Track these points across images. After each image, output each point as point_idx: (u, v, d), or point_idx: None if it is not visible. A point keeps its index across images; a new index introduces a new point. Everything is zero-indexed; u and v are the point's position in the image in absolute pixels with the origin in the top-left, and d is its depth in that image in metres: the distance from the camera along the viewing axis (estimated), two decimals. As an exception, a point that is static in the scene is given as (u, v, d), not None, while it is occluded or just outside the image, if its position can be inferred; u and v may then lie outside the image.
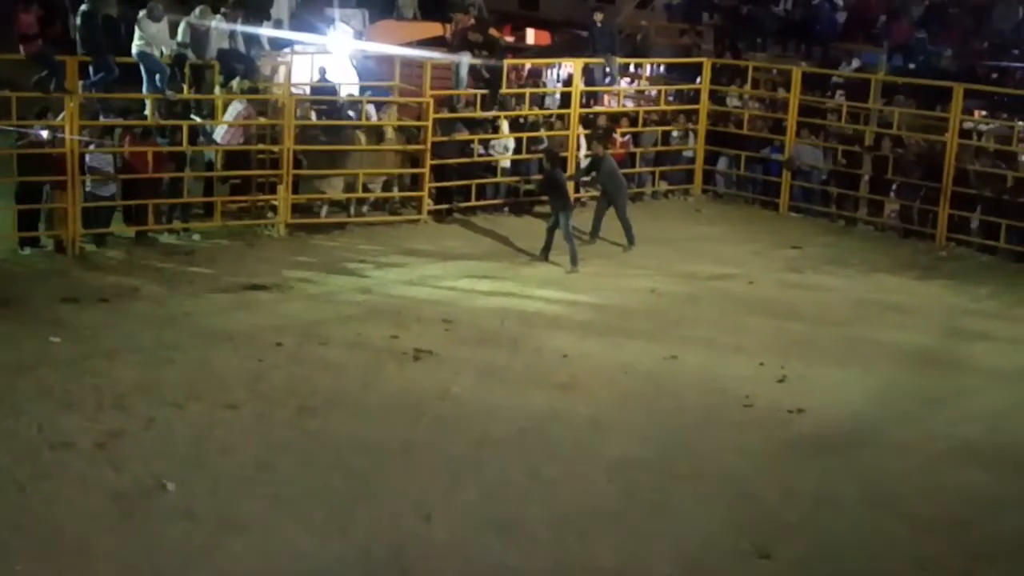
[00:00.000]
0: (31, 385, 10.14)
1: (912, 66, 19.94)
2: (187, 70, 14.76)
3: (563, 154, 17.58)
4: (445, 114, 16.91)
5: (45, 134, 13.70)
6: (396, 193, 16.70)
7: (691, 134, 19.18)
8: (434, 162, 16.37)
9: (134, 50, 14.15)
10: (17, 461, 8.74)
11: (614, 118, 18.42)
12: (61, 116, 13.74)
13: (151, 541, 7.79)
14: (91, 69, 13.93)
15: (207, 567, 7.52)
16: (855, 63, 20.59)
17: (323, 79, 17.45)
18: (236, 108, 15.30)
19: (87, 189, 14.11)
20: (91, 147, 14.12)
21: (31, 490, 8.36)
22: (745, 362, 11.73)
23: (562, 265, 14.63)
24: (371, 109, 16.69)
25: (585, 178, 16.92)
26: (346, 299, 13.14)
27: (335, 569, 7.60)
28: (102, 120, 14.51)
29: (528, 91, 18.17)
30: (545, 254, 14.98)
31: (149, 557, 7.59)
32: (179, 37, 14.62)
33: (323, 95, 17.15)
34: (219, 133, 15.25)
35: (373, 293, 13.42)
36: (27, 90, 13.81)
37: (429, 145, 16.19)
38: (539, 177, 16.40)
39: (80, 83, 13.83)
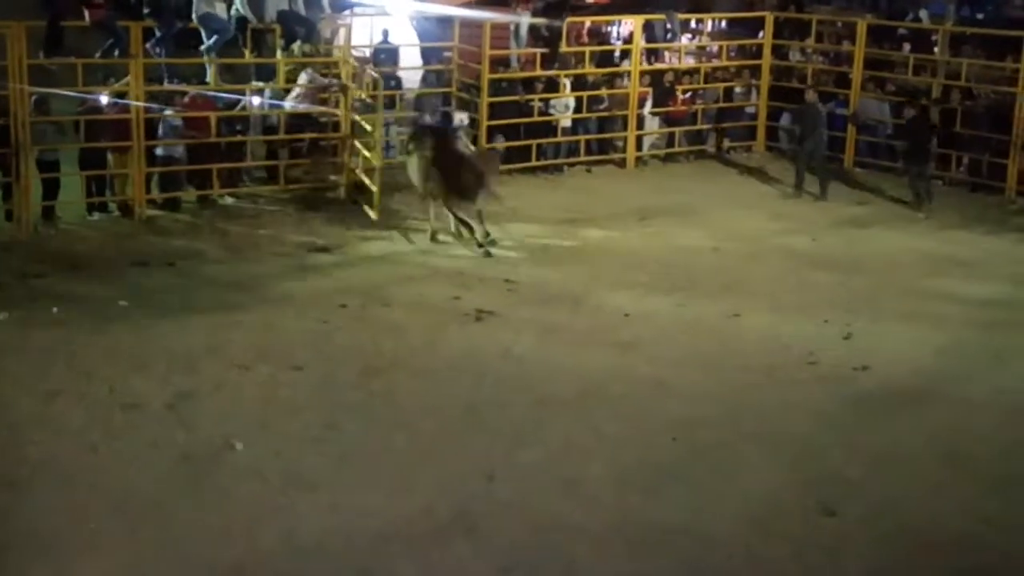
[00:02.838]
0: (102, 348, 10.33)
1: (981, 16, 19.52)
2: (248, 34, 14.85)
3: (624, 112, 17.52)
4: (503, 74, 16.89)
5: (105, 100, 13.85)
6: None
7: (754, 90, 18.96)
8: (491, 123, 16.38)
9: (196, 13, 14.25)
10: (90, 422, 8.94)
11: (676, 75, 18.27)
12: (125, 80, 13.91)
13: (221, 500, 7.93)
14: (156, 31, 14.07)
15: (275, 525, 7.64)
16: (922, 14, 20.18)
17: (385, 41, 17.46)
18: (306, 76, 15.38)
19: (160, 153, 14.29)
20: (165, 112, 14.27)
21: (104, 450, 8.54)
22: (809, 319, 11.63)
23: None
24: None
25: None
26: (408, 260, 13.22)
27: (400, 527, 7.69)
28: (167, 85, 14.64)
29: (588, 49, 18.06)
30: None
31: (219, 515, 7.73)
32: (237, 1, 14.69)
33: (384, 58, 17.16)
34: (290, 100, 15.34)
35: (434, 254, 13.47)
36: (93, 57, 14.00)
37: (485, 106, 16.21)
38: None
39: (145, 46, 13.98)
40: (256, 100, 14.94)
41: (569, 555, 7.44)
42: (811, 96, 16.79)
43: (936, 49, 18.06)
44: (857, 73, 17.83)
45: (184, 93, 14.48)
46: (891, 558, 7.63)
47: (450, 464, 8.51)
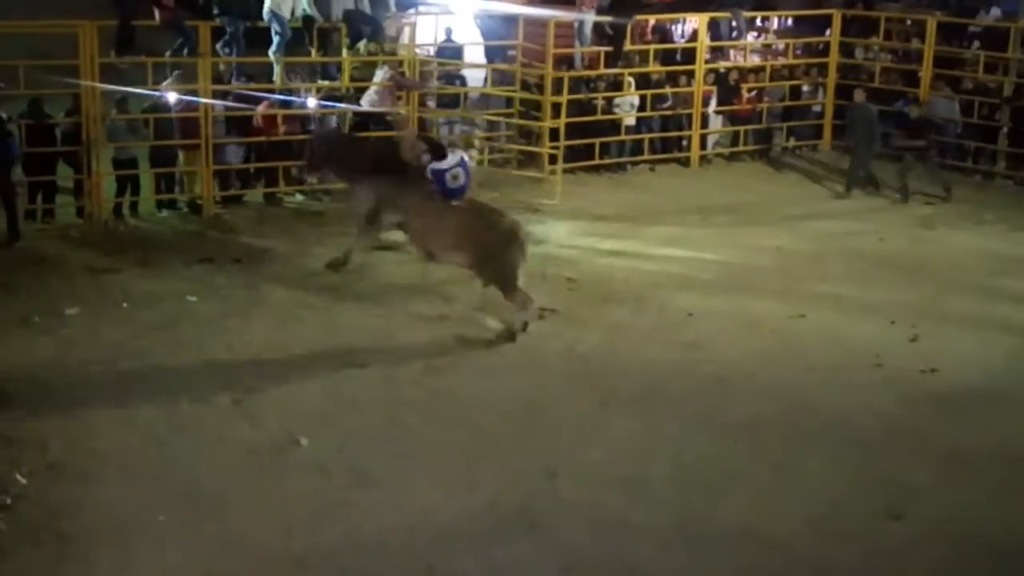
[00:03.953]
0: (170, 342, 10.47)
1: (1055, 14, 19.14)
2: (314, 33, 14.95)
3: (688, 111, 17.42)
4: (568, 72, 16.86)
5: (173, 99, 14.02)
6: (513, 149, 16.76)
7: (820, 88, 18.77)
8: (554, 123, 16.34)
9: (264, 12, 14.40)
10: (157, 416, 9.06)
11: (740, 73, 18.14)
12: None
13: (285, 494, 8.02)
14: (226, 31, 14.24)
15: (338, 520, 7.71)
16: (993, 11, 19.85)
17: (448, 40, 17.52)
18: (382, 72, 15.46)
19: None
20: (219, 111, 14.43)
21: (171, 444, 8.67)
22: (875, 320, 11.50)
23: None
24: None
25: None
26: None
27: (463, 523, 7.72)
28: (234, 84, 14.79)
29: (652, 47, 17.99)
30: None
31: (283, 510, 7.81)
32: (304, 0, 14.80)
33: (448, 56, 17.21)
34: (367, 99, 15.40)
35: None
36: (163, 57, 14.21)
37: (548, 105, 16.20)
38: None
39: (215, 46, 14.16)
40: (311, 102, 14.93)
41: (631, 554, 7.43)
42: (860, 96, 16.59)
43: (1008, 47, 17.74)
44: (926, 71, 17.58)
45: (252, 97, 14.63)
46: (958, 563, 7.53)
47: (512, 461, 8.52)
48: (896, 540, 7.71)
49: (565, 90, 16.26)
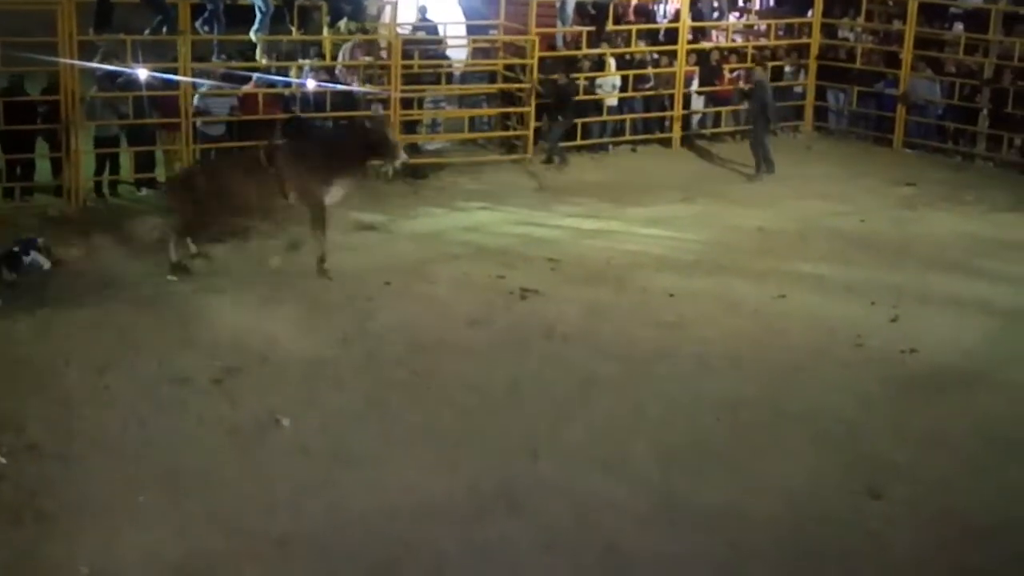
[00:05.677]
0: (150, 323, 10.44)
1: (1035, -6, 19.17)
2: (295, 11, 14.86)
3: (670, 91, 17.41)
4: (550, 52, 16.81)
5: (144, 76, 13.88)
6: (500, 133, 16.72)
7: (802, 69, 18.77)
8: (539, 101, 16.32)
9: None
10: (138, 396, 9.04)
11: (722, 53, 18.13)
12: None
13: (266, 474, 8.00)
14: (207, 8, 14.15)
15: (320, 500, 7.70)
16: (975, -8, 19.89)
17: (424, 18, 17.40)
18: (342, 53, 15.39)
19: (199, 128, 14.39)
20: (200, 90, 14.33)
21: (151, 424, 8.64)
22: (856, 301, 11.54)
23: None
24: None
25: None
26: (452, 239, 13.23)
27: (444, 503, 7.72)
28: (215, 61, 14.68)
29: (635, 27, 17.95)
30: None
31: (265, 490, 7.80)
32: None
33: (424, 35, 17.12)
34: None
35: (479, 232, 13.49)
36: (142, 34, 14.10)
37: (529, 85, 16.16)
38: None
39: (194, 24, 14.07)
40: (311, 83, 14.81)
41: (611, 534, 7.45)
42: (761, 73, 16.66)
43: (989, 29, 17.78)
44: (907, 52, 17.61)
45: (233, 75, 14.52)
46: (937, 542, 7.56)
47: (493, 442, 8.52)
48: (876, 519, 7.74)
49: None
